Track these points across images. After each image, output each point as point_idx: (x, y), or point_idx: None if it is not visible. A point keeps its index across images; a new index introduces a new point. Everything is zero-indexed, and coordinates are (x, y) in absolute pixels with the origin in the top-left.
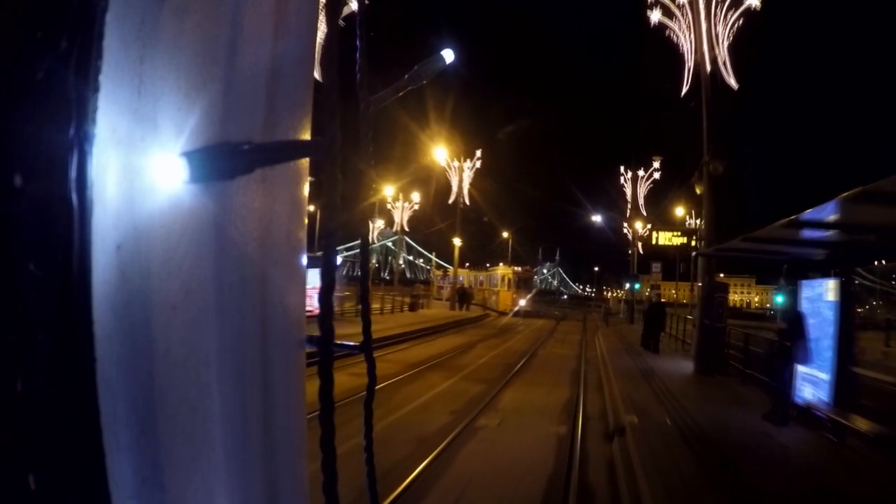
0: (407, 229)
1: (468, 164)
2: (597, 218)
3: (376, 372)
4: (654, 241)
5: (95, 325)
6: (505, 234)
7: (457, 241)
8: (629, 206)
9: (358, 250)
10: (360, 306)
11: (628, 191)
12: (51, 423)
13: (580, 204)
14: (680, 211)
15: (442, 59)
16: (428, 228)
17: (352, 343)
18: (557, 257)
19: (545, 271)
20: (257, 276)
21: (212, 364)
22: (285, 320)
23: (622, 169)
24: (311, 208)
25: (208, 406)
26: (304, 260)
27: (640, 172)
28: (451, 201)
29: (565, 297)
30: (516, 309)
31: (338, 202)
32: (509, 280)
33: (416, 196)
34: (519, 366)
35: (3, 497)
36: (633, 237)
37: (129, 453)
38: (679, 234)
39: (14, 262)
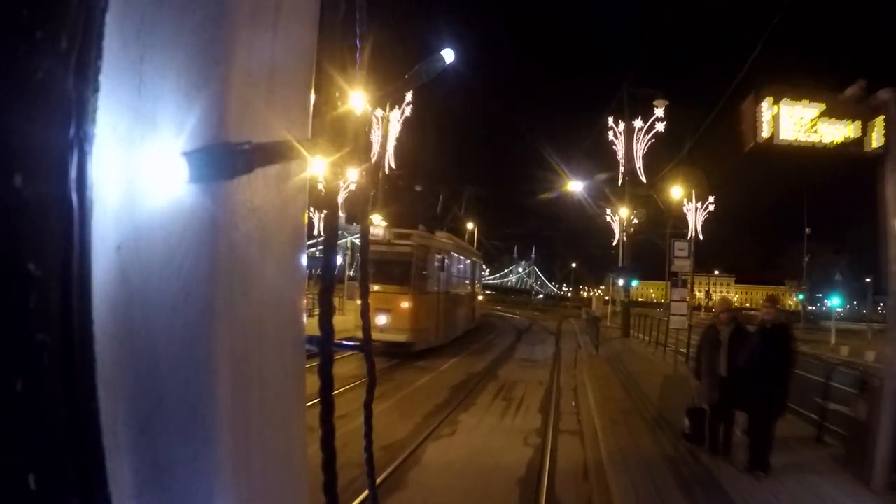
0: (343, 215)
1: (396, 112)
2: (576, 187)
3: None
4: (765, 135)
5: (95, 325)
6: (469, 225)
7: (378, 221)
8: (621, 168)
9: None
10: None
11: (619, 149)
12: (51, 423)
13: (556, 173)
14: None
15: (442, 58)
16: (389, 218)
17: (352, 343)
18: (534, 255)
19: (521, 270)
20: (257, 276)
21: (212, 364)
22: (285, 320)
23: (611, 121)
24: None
25: (208, 406)
26: (304, 260)
27: (638, 123)
28: (372, 162)
29: (540, 296)
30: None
31: (338, 201)
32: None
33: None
34: None
35: (3, 497)
36: (620, 219)
37: (129, 453)
38: (843, 116)
39: (14, 262)
